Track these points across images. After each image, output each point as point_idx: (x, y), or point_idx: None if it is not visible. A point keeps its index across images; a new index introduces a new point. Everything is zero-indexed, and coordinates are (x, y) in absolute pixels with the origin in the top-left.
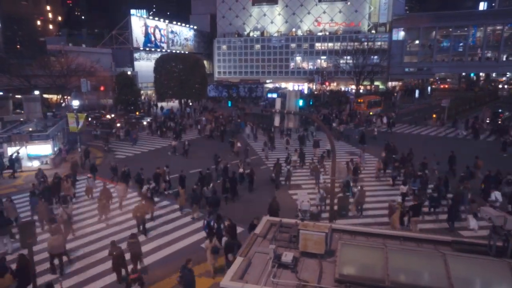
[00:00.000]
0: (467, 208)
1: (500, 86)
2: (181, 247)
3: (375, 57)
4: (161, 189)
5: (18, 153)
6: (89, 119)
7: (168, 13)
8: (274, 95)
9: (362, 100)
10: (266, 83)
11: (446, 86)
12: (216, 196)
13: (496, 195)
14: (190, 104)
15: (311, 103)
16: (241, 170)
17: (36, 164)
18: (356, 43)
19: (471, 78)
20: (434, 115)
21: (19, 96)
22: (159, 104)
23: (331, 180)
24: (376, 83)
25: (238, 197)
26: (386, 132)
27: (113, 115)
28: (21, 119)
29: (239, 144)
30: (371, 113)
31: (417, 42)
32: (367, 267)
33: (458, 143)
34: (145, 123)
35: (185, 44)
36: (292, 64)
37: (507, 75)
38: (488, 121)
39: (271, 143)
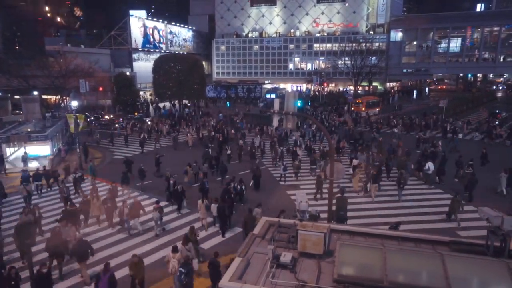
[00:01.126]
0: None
1: (498, 87)
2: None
3: (373, 58)
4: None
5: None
6: (88, 120)
7: (167, 14)
8: (273, 96)
9: (360, 101)
10: (264, 83)
11: (444, 87)
12: (223, 164)
13: (429, 165)
14: (189, 104)
15: (309, 104)
16: (228, 151)
17: (34, 164)
18: (354, 44)
19: (468, 79)
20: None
21: (18, 97)
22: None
23: (330, 181)
24: (374, 83)
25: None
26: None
27: (111, 116)
28: (20, 120)
29: (232, 131)
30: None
31: (415, 43)
32: (366, 267)
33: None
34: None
35: (184, 45)
36: (290, 65)
37: (504, 76)
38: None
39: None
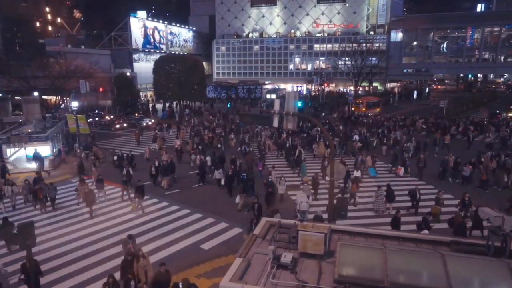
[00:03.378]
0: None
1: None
2: (181, 247)
3: (374, 58)
4: None
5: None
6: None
7: (167, 15)
8: (273, 96)
9: (360, 101)
10: (265, 84)
11: (443, 87)
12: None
13: (355, 137)
14: (189, 105)
15: (309, 104)
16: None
17: (35, 165)
18: (354, 45)
19: (468, 79)
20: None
21: (18, 98)
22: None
23: (330, 180)
24: (375, 84)
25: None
26: None
27: (112, 116)
28: (20, 120)
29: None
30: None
31: (415, 43)
32: (366, 268)
33: None
34: (144, 124)
35: (184, 45)
36: (291, 65)
37: (505, 76)
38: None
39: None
